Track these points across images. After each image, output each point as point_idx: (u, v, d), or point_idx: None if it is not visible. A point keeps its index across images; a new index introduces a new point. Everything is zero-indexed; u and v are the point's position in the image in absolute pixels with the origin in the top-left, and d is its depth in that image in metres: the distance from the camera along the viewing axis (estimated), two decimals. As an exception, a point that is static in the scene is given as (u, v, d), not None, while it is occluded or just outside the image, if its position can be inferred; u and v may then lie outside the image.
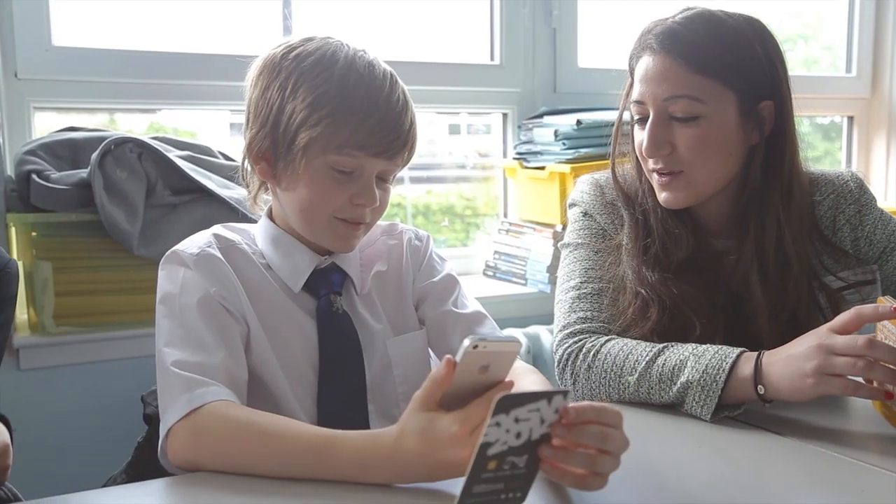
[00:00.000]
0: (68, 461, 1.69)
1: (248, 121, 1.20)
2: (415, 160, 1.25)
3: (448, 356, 0.88)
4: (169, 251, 1.17)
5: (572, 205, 1.47)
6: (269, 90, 1.15)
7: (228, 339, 1.10)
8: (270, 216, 1.24)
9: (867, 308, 1.11)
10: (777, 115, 1.31)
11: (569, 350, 1.30)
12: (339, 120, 1.11)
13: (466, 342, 0.85)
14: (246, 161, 1.22)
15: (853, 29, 2.95)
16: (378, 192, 1.17)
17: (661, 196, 1.33)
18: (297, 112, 1.12)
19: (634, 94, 1.32)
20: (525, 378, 1.15)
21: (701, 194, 1.32)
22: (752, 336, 1.28)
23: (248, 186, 1.26)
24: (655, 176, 1.33)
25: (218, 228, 1.22)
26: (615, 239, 1.38)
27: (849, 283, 1.35)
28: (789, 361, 1.12)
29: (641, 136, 1.31)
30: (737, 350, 1.19)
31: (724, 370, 1.16)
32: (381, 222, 1.33)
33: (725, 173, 1.31)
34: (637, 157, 1.36)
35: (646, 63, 1.30)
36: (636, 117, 1.34)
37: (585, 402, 0.87)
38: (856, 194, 1.41)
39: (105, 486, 1.37)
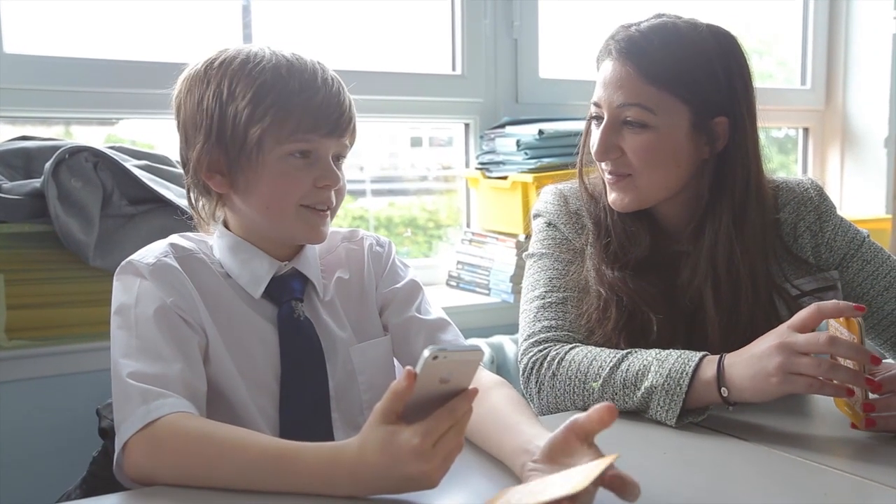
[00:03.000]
0: (22, 478, 1.64)
1: (186, 141, 1.17)
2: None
3: (408, 367, 0.86)
4: (124, 261, 1.15)
5: (536, 215, 1.48)
6: (204, 101, 1.14)
7: (186, 350, 1.08)
8: (226, 226, 1.22)
9: (827, 304, 1.11)
10: (732, 131, 1.31)
11: (533, 359, 1.30)
12: (284, 106, 1.11)
13: (426, 353, 0.83)
14: (193, 184, 1.19)
15: (807, 42, 3.01)
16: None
17: (610, 197, 1.35)
18: (240, 111, 1.11)
19: (594, 95, 1.35)
20: (496, 391, 1.13)
21: (647, 200, 1.34)
22: (711, 346, 1.28)
23: (196, 209, 1.22)
24: (607, 175, 1.35)
25: (175, 238, 1.20)
26: (579, 246, 1.39)
27: (809, 290, 1.37)
28: (751, 362, 1.13)
29: (595, 136, 1.34)
30: (699, 354, 1.19)
31: (687, 374, 1.17)
32: (342, 229, 1.33)
33: (672, 183, 1.33)
34: None
35: (606, 68, 1.32)
36: (592, 115, 1.36)
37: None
38: (816, 202, 1.43)
39: (59, 502, 1.34)
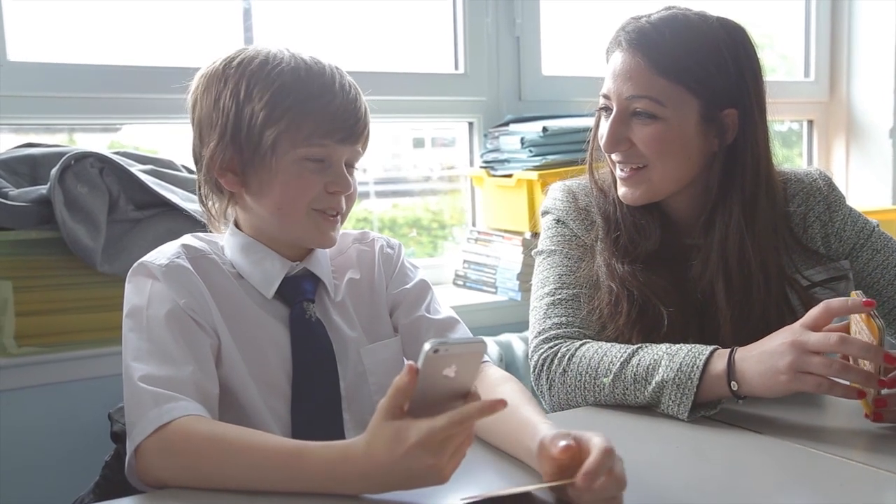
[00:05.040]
0: (33, 484, 1.64)
1: (200, 138, 1.18)
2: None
3: (410, 362, 0.86)
4: (136, 263, 1.15)
5: (545, 212, 1.48)
6: (221, 100, 1.14)
7: (198, 352, 1.08)
8: (237, 226, 1.22)
9: (836, 302, 1.11)
10: (741, 123, 1.31)
11: (544, 355, 1.29)
12: (301, 110, 1.12)
13: (426, 346, 0.83)
14: (205, 181, 1.19)
15: (810, 34, 3.00)
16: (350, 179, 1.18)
17: (620, 191, 1.35)
18: (256, 113, 1.11)
19: (603, 87, 1.34)
20: (503, 386, 1.13)
21: (658, 193, 1.33)
22: (723, 339, 1.28)
23: (206, 206, 1.22)
24: (618, 170, 1.35)
25: (187, 238, 1.20)
26: (588, 242, 1.39)
27: (820, 281, 1.36)
28: (762, 358, 1.13)
29: (603, 128, 1.33)
30: (710, 347, 1.19)
31: (697, 367, 1.16)
32: (353, 231, 1.33)
33: (682, 175, 1.32)
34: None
35: (615, 59, 1.32)
36: (601, 107, 1.35)
37: (593, 462, 0.85)
38: (824, 192, 1.42)
39: (72, 508, 1.33)
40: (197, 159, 1.20)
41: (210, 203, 1.22)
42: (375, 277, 1.28)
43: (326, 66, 1.16)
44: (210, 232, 1.26)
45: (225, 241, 1.22)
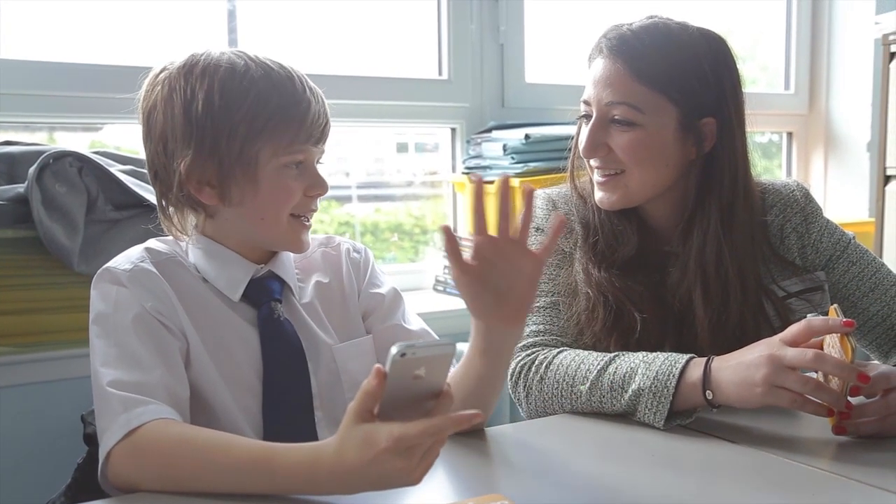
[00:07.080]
0: (5, 485, 1.63)
1: (165, 152, 1.12)
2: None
3: (377, 366, 0.86)
4: (101, 269, 1.14)
5: (525, 221, 1.48)
6: (191, 111, 1.10)
7: (166, 356, 1.08)
8: (201, 233, 1.20)
9: (817, 321, 1.12)
10: (719, 133, 1.32)
11: (521, 363, 1.29)
12: (284, 119, 1.11)
13: (393, 350, 0.82)
14: (175, 197, 1.14)
15: (790, 47, 3.03)
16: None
17: (597, 196, 1.36)
18: (237, 124, 1.10)
19: (584, 94, 1.35)
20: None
21: (634, 198, 1.34)
22: (700, 347, 1.29)
23: (170, 219, 1.18)
24: (596, 174, 1.35)
25: (151, 242, 1.19)
26: (567, 249, 1.39)
27: (796, 292, 1.37)
28: (739, 369, 1.13)
29: (583, 135, 1.35)
30: (686, 356, 1.19)
31: (674, 375, 1.17)
32: (319, 235, 1.33)
33: (659, 182, 1.33)
34: None
35: (596, 66, 1.33)
36: (581, 114, 1.36)
37: None
38: (801, 203, 1.44)
39: (43, 510, 1.32)
40: (158, 173, 1.15)
41: (170, 212, 1.18)
42: (345, 280, 1.28)
43: (290, 70, 1.16)
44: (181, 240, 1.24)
45: (188, 246, 1.20)
